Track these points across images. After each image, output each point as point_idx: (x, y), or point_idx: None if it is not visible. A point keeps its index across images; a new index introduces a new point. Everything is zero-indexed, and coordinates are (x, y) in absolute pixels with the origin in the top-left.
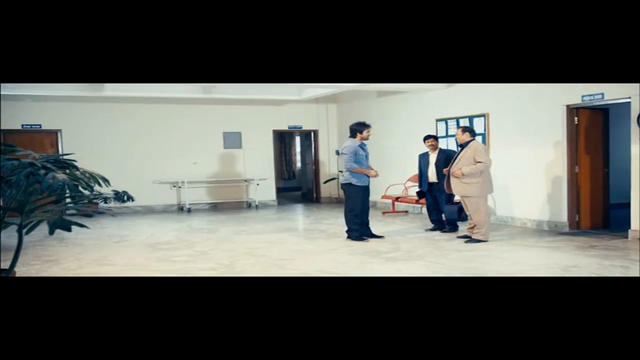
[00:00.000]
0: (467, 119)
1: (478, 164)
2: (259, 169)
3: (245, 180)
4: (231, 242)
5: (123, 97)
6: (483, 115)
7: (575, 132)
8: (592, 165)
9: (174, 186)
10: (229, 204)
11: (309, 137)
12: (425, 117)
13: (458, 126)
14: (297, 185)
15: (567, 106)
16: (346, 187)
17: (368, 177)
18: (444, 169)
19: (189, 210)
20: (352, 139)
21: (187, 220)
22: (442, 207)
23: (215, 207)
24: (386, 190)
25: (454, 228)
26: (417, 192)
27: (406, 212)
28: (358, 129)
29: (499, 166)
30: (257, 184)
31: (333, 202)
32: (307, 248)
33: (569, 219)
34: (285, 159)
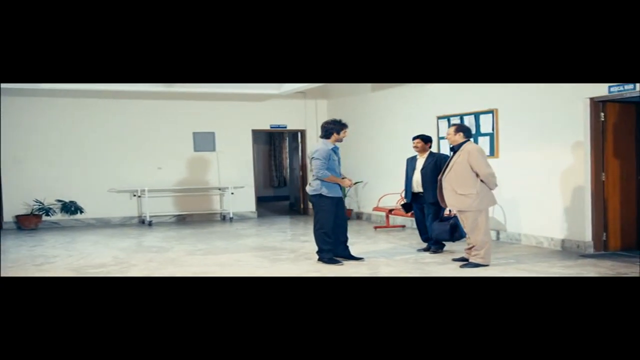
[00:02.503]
0: (472, 116)
1: (489, 177)
2: (236, 175)
3: (219, 189)
4: (176, 266)
5: (71, 90)
6: (491, 112)
7: (601, 131)
8: (622, 171)
9: (134, 195)
10: (200, 216)
11: (296, 138)
12: (425, 114)
13: (460, 124)
14: (288, 194)
15: (591, 99)
16: (315, 199)
17: (341, 187)
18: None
19: (150, 224)
20: (324, 141)
21: (142, 236)
22: (427, 223)
23: (184, 220)
24: (379, 201)
25: (439, 247)
26: (403, 205)
27: (403, 226)
28: (335, 128)
29: (509, 172)
30: (232, 193)
31: None
32: (262, 273)
33: (593, 238)
34: (275, 164)
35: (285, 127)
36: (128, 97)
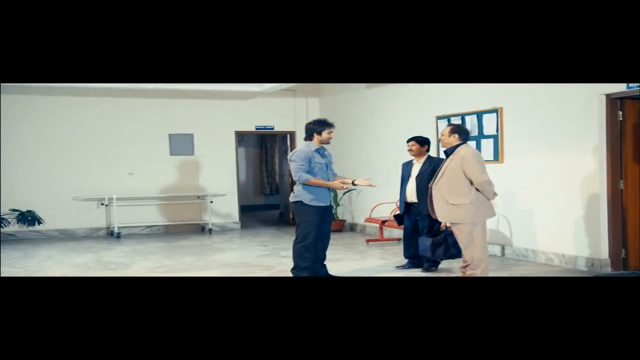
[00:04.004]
0: (474, 116)
1: (485, 186)
2: (217, 182)
3: (198, 197)
4: None
5: (27, 87)
6: (495, 111)
7: (618, 133)
8: None
9: (102, 204)
10: (177, 227)
11: (285, 141)
12: (423, 114)
13: (461, 124)
14: (280, 202)
15: (608, 96)
16: (296, 207)
17: (329, 193)
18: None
19: (118, 236)
20: (307, 143)
21: (105, 250)
22: (419, 239)
23: (158, 232)
24: (372, 211)
25: (431, 266)
26: (395, 216)
27: (399, 239)
28: (316, 128)
29: (515, 179)
30: (211, 202)
31: None
32: None
33: (611, 255)
34: (267, 169)
35: (273, 129)
36: (95, 95)
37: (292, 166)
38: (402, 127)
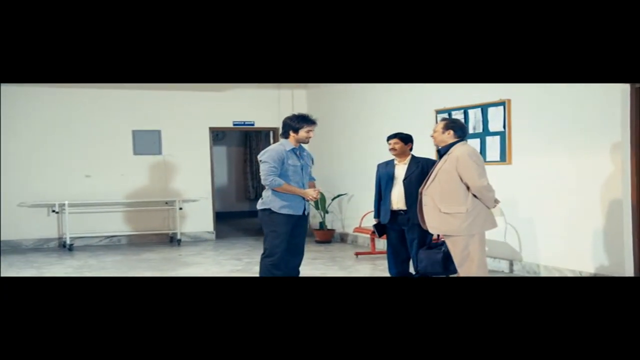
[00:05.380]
0: (479, 109)
1: (483, 192)
2: (188, 185)
3: (167, 203)
4: None
5: None
6: (502, 104)
7: None
8: None
9: (53, 211)
10: (141, 237)
11: (268, 139)
12: (422, 108)
13: (465, 119)
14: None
15: (633, 86)
16: (264, 215)
17: (304, 201)
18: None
19: (70, 248)
20: (282, 141)
21: (50, 266)
22: (411, 253)
23: (119, 243)
24: (362, 219)
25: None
26: (375, 226)
27: None
28: (293, 125)
29: (525, 184)
30: (180, 208)
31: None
32: None
33: (636, 273)
34: (252, 171)
35: (253, 125)
36: (42, 84)
37: (262, 168)
38: (398, 123)
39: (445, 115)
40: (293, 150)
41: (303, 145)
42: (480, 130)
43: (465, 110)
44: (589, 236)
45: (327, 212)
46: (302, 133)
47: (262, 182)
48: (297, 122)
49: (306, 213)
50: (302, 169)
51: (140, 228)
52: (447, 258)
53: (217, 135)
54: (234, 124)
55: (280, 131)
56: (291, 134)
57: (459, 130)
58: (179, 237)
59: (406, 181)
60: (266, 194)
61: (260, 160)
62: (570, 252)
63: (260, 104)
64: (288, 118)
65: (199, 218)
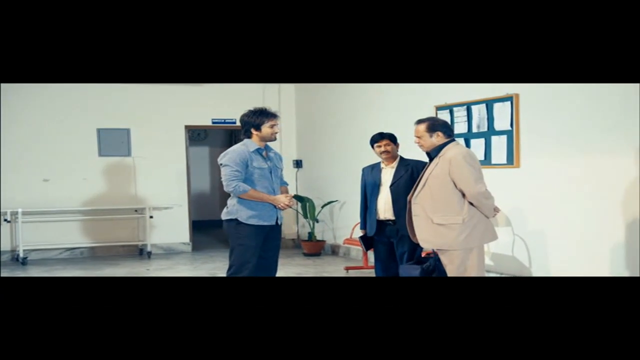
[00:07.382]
0: (483, 105)
1: (480, 199)
2: (161, 191)
3: (136, 210)
4: None
5: None
6: (509, 99)
7: None
8: None
9: (5, 220)
10: (107, 249)
11: None
12: (421, 104)
13: (468, 116)
14: None
15: None
16: (229, 227)
17: (275, 209)
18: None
19: (24, 262)
20: (245, 141)
21: None
22: (400, 267)
23: (82, 255)
24: (353, 229)
25: None
26: (361, 238)
27: None
28: (252, 122)
29: (534, 189)
30: (151, 217)
31: (289, 246)
32: None
33: None
34: None
35: (234, 123)
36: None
37: (223, 172)
38: (396, 121)
39: (447, 112)
40: (258, 150)
41: (269, 144)
42: (485, 129)
43: (469, 106)
44: (607, 248)
45: (316, 221)
46: (265, 129)
47: (225, 188)
48: (257, 118)
49: (279, 223)
50: (270, 172)
51: (106, 239)
52: (428, 274)
53: (199, 135)
54: (213, 122)
55: (242, 131)
56: (253, 132)
57: (447, 128)
58: (149, 249)
59: (393, 187)
60: (231, 202)
61: (221, 164)
62: (586, 266)
63: (243, 100)
64: (245, 115)
65: (172, 228)
